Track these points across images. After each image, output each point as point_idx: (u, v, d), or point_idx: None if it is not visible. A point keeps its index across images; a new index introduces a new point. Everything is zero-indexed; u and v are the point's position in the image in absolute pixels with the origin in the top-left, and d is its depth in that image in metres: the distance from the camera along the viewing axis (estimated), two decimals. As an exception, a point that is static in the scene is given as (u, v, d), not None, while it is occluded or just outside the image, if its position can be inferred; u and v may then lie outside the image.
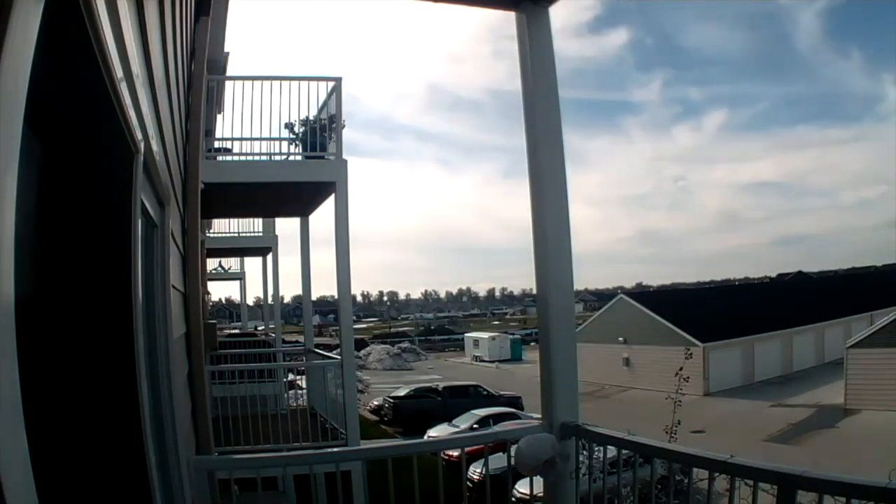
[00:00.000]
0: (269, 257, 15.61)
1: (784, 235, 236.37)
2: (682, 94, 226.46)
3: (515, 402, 26.41)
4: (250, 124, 7.70)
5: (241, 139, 7.98)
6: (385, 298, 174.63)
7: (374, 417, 26.56)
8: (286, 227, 20.31)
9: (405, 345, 58.47)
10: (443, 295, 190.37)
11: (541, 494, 3.34)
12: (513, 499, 3.46)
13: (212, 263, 17.55)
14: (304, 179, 8.13)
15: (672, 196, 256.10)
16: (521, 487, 3.72)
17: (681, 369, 8.11)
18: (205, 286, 9.30)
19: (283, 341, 16.12)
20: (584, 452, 3.25)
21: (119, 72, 1.47)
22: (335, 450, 5.21)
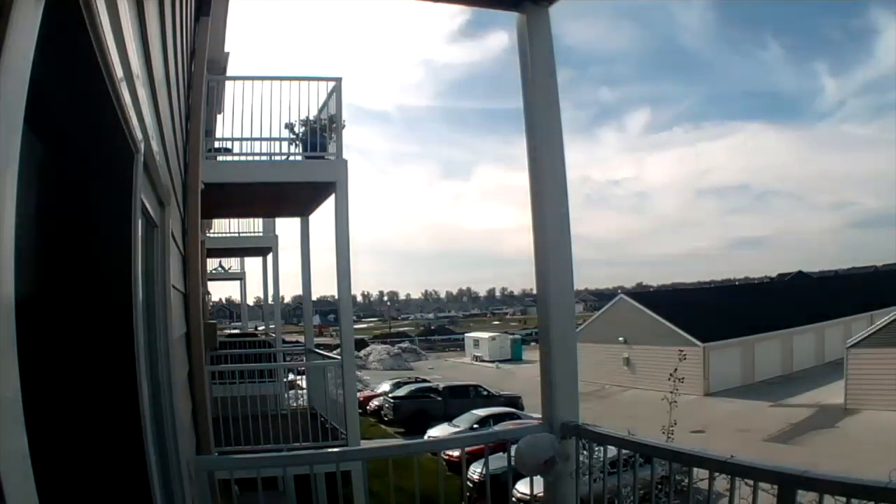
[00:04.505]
0: (269, 257, 15.61)
1: (741, 238, 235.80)
2: (592, 96, 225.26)
3: (515, 402, 26.43)
4: (250, 124, 7.72)
5: (242, 139, 7.99)
6: (385, 298, 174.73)
7: (372, 419, 26.57)
8: (286, 227, 20.33)
9: (405, 345, 58.45)
10: (443, 295, 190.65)
11: (541, 494, 3.34)
12: (513, 499, 3.46)
13: (212, 263, 17.55)
14: (304, 179, 8.14)
15: (597, 199, 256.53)
16: (521, 487, 3.72)
17: (675, 370, 8.30)
18: (205, 286, 9.30)
19: (284, 341, 16.11)
20: (585, 452, 3.24)
21: (119, 72, 1.47)
22: (335, 450, 5.20)
